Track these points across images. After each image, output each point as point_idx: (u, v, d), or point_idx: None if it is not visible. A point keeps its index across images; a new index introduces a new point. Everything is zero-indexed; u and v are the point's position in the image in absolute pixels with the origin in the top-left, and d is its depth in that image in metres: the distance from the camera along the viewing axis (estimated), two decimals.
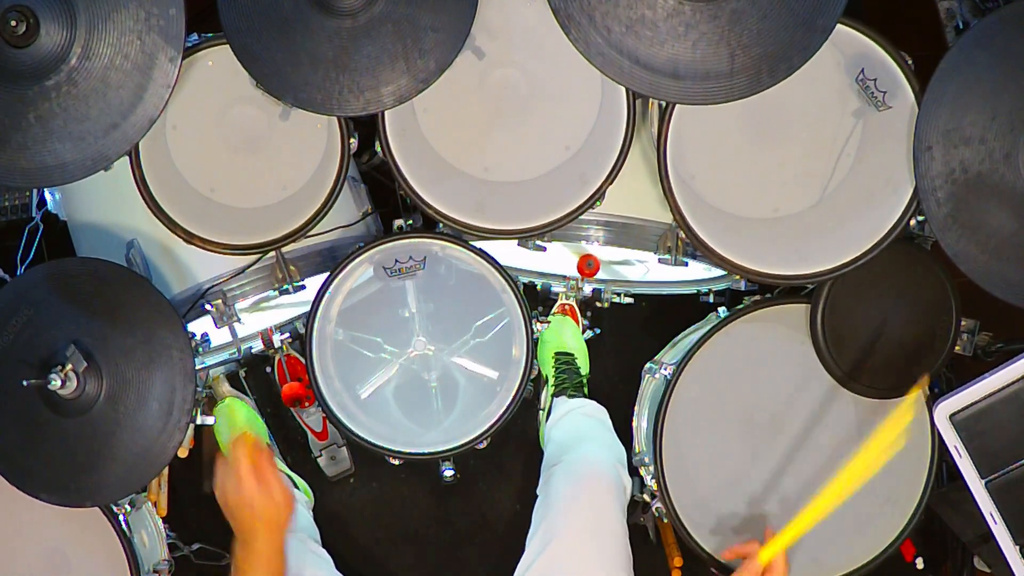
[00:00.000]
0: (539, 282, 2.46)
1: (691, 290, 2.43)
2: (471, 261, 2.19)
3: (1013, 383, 1.93)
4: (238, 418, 2.39)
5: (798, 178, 2.08)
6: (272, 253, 2.11)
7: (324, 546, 2.19)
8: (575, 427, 2.26)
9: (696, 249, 2.07)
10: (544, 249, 2.19)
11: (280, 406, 2.42)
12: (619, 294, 2.45)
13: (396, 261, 2.18)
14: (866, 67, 1.95)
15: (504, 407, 2.20)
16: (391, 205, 2.21)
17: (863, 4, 2.33)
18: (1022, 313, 1.89)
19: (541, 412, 2.44)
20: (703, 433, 2.16)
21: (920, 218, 1.98)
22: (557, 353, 2.38)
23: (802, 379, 2.13)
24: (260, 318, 2.34)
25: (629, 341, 2.63)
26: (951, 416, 1.95)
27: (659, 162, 1.97)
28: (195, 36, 1.98)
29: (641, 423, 2.36)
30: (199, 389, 2.00)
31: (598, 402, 2.34)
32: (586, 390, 2.38)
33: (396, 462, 2.24)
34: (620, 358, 2.62)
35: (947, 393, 1.98)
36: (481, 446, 2.22)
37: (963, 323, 2.10)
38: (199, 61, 1.99)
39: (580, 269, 2.30)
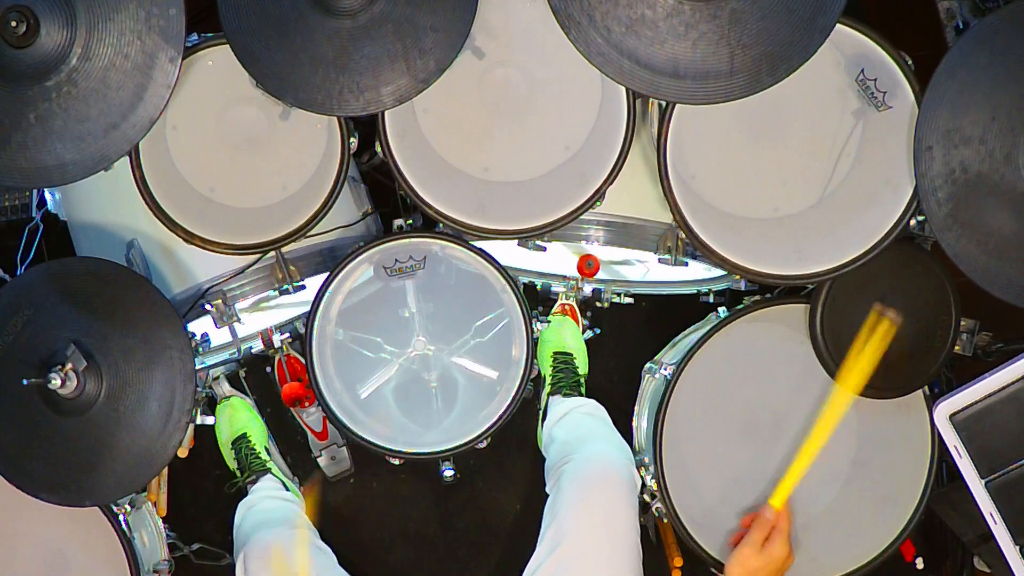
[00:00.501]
0: (539, 282, 2.46)
1: (691, 290, 2.43)
2: (471, 261, 2.19)
3: (1013, 383, 1.93)
4: (238, 418, 2.39)
5: (798, 178, 2.08)
6: (272, 253, 2.11)
7: None
8: (578, 426, 2.25)
9: (696, 249, 2.06)
10: (544, 249, 2.18)
11: (280, 406, 2.41)
12: (619, 294, 2.45)
13: (396, 261, 2.18)
14: (866, 67, 1.95)
15: (504, 407, 2.20)
16: (391, 205, 2.21)
17: (863, 4, 2.33)
18: (1022, 313, 1.89)
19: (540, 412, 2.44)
20: (703, 433, 2.16)
21: (920, 218, 1.97)
22: (556, 352, 2.38)
23: (802, 379, 2.12)
24: (260, 318, 2.34)
25: (629, 341, 2.62)
26: (951, 416, 1.95)
27: (659, 162, 1.97)
28: (195, 36, 1.98)
29: (641, 423, 2.36)
30: (199, 389, 2.00)
31: (597, 401, 2.34)
32: (583, 390, 2.37)
33: (396, 462, 2.24)
34: (620, 358, 2.62)
35: (947, 393, 1.97)
36: (481, 446, 2.22)
37: (963, 323, 2.09)
38: (199, 61, 1.99)
39: (580, 269, 2.30)
